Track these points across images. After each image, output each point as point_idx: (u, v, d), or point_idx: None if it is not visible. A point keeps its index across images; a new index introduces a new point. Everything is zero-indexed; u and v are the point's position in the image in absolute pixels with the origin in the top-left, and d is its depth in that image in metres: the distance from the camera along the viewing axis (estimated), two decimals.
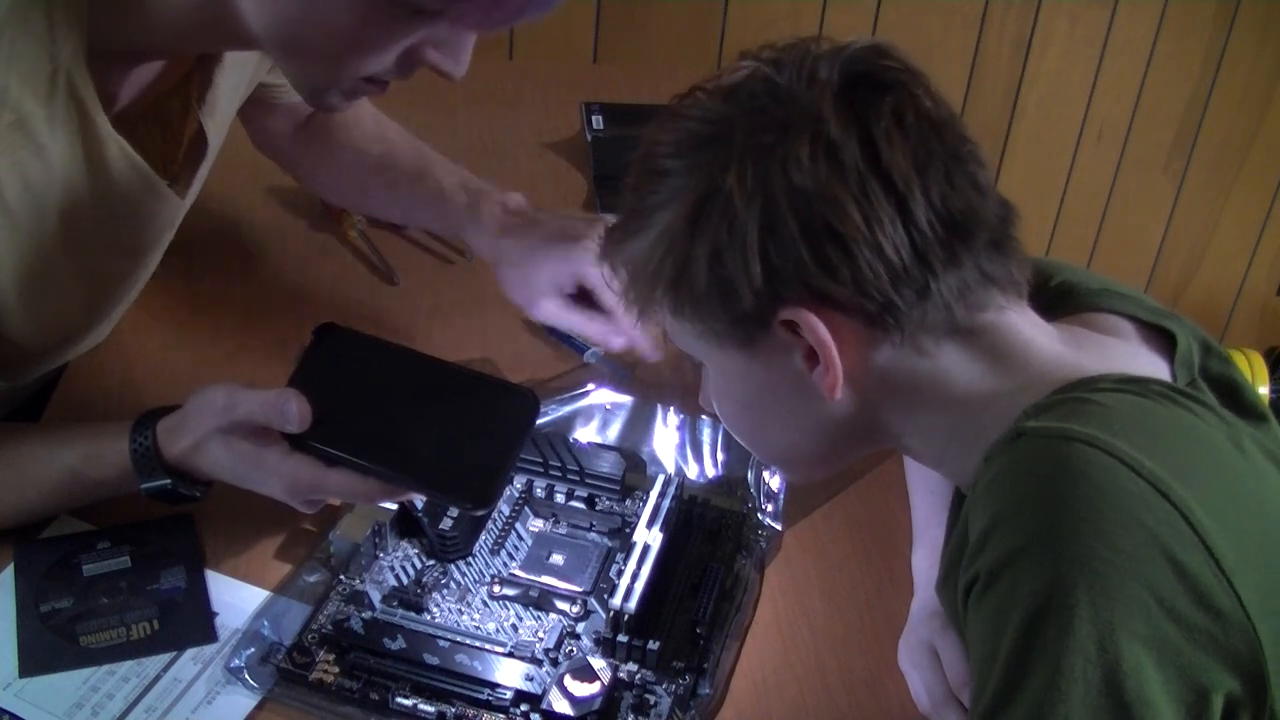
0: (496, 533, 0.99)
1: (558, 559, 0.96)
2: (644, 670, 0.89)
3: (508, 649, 0.89)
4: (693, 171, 0.74)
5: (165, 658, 0.89)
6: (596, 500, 1.02)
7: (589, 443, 1.06)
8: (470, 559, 0.97)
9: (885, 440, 0.81)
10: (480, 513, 0.93)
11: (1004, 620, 0.66)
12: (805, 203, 0.70)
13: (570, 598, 0.93)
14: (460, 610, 0.93)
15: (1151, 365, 0.77)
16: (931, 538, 0.99)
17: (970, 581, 0.70)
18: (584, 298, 1.11)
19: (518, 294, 1.14)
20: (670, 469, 1.06)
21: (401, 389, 0.91)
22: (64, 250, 0.94)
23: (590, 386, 1.16)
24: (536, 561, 0.96)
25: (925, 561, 0.98)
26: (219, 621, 0.92)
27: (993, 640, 0.67)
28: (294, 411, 0.87)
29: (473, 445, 0.87)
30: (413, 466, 0.86)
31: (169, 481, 0.93)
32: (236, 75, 1.06)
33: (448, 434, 0.88)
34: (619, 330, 1.10)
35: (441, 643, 0.89)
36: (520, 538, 0.99)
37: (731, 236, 0.72)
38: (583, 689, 0.85)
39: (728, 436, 1.09)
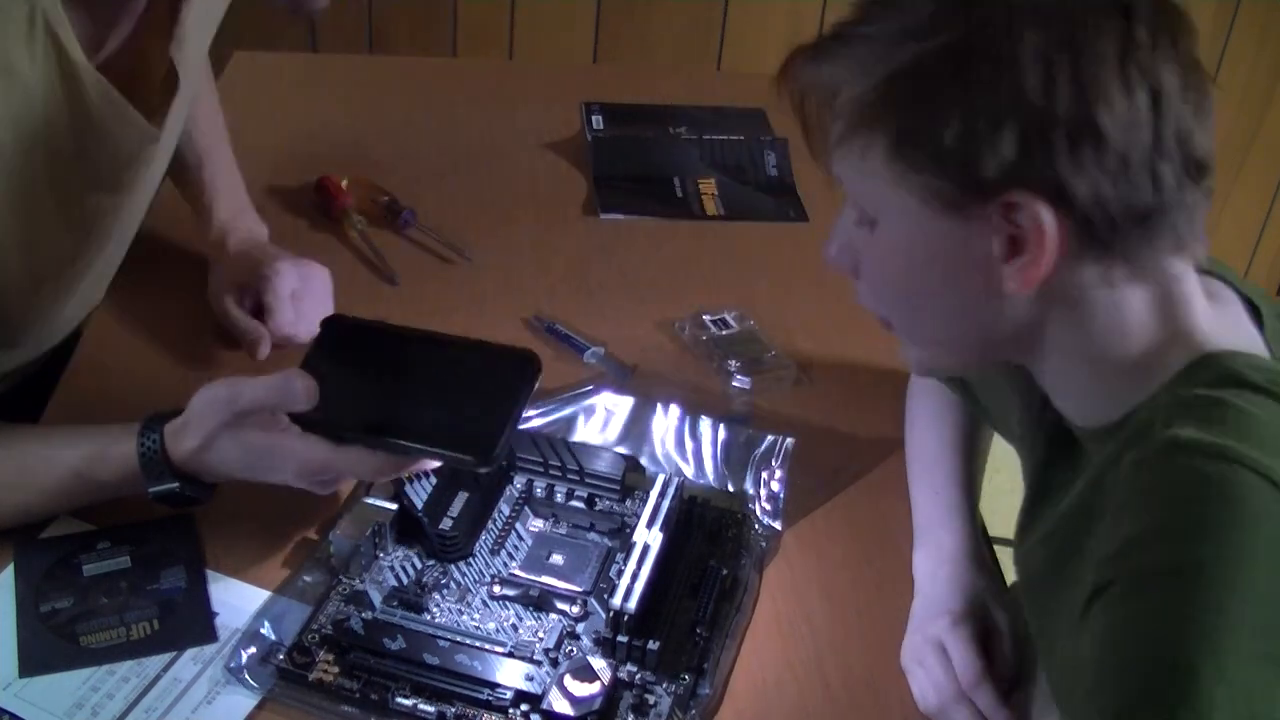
0: (496, 533, 0.99)
1: (558, 559, 0.96)
2: (644, 670, 0.89)
3: (508, 649, 0.89)
4: (972, 9, 0.70)
5: (165, 658, 0.89)
6: (596, 500, 1.02)
7: (589, 443, 1.06)
8: (470, 559, 0.97)
9: (1025, 355, 0.79)
10: (484, 470, 0.93)
11: (1147, 637, 0.66)
12: (1084, 88, 0.68)
13: (570, 598, 0.93)
14: (460, 610, 0.93)
15: (1251, 339, 0.77)
16: (936, 539, 0.99)
17: (1104, 581, 0.69)
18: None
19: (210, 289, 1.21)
20: (670, 469, 1.06)
21: (405, 364, 0.93)
22: (48, 184, 0.97)
23: (590, 386, 1.16)
24: (536, 561, 0.96)
25: (928, 562, 0.98)
26: (219, 621, 0.92)
27: (1133, 649, 0.67)
28: (299, 388, 0.88)
29: (475, 407, 0.88)
30: (417, 432, 0.88)
31: (177, 485, 0.93)
32: (203, 10, 1.09)
33: (450, 399, 0.89)
34: (266, 335, 1.15)
35: (441, 643, 0.89)
36: (520, 538, 0.99)
37: (999, 99, 0.68)
38: (583, 689, 0.85)
39: (727, 438, 1.09)
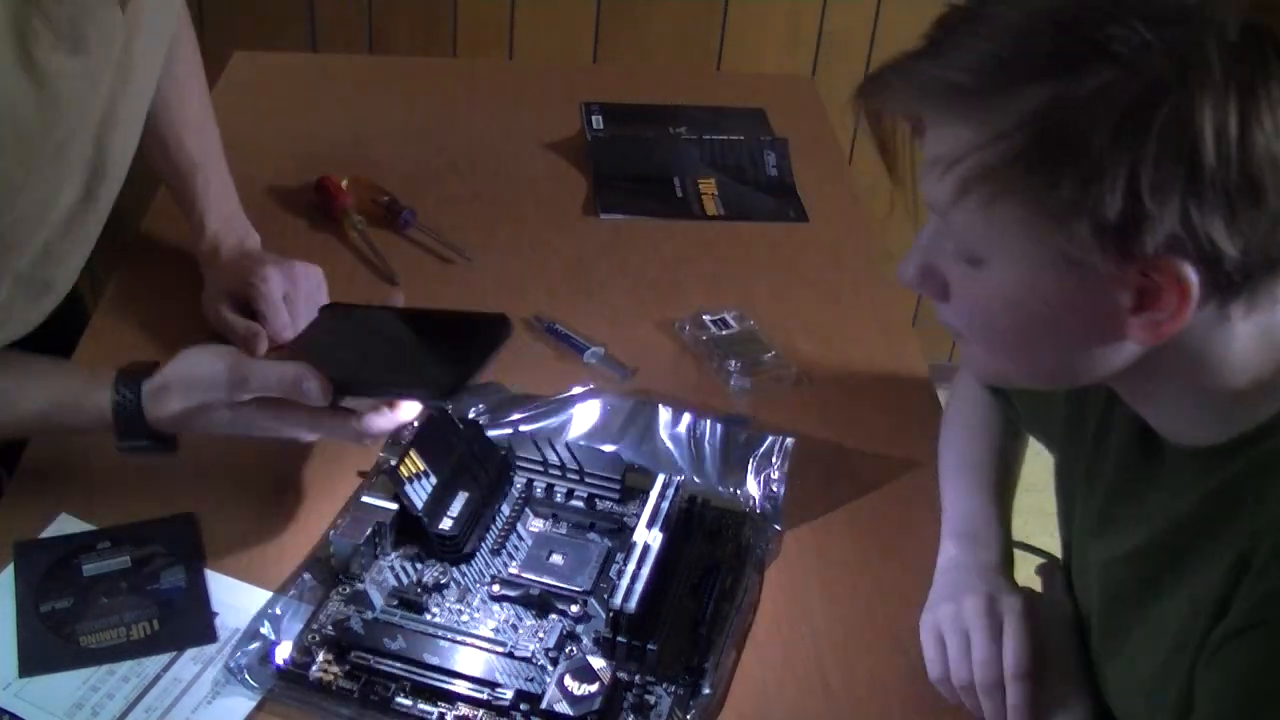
0: (496, 533, 0.99)
1: (558, 559, 0.96)
2: (644, 670, 0.89)
3: (508, 649, 0.89)
4: (1141, 65, 0.61)
5: (165, 658, 0.89)
6: (596, 500, 1.02)
7: (589, 443, 1.06)
8: (470, 559, 0.97)
9: (1133, 381, 0.75)
10: (441, 403, 0.98)
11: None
12: (1253, 152, 0.61)
13: (570, 598, 0.93)
14: (460, 610, 0.93)
15: None
16: (987, 536, 0.97)
17: (1254, 621, 0.69)
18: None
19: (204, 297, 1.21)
20: (670, 469, 1.06)
21: (388, 329, 1.02)
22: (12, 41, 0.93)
23: (590, 386, 1.16)
24: (536, 561, 0.96)
25: (964, 555, 0.96)
26: (219, 621, 0.92)
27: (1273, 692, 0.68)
28: (315, 390, 0.91)
29: (444, 352, 0.96)
30: (388, 374, 0.95)
31: (148, 443, 0.96)
32: None
33: (425, 351, 0.99)
34: (262, 333, 1.14)
35: (441, 643, 0.89)
36: (520, 538, 0.99)
37: (1169, 166, 0.61)
38: (583, 689, 0.85)
39: (727, 438, 1.09)
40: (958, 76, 0.65)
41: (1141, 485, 0.80)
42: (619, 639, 0.89)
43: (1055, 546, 0.97)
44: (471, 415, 1.07)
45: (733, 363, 1.20)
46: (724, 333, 1.25)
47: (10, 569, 0.94)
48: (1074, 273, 0.67)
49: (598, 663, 0.87)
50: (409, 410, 0.96)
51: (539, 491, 1.02)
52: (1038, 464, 1.06)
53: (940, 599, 0.93)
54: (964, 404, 1.10)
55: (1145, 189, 0.61)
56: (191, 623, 0.92)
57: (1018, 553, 1.01)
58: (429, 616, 0.92)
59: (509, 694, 0.85)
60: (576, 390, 1.15)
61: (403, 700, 0.86)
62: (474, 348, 0.94)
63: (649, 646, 0.88)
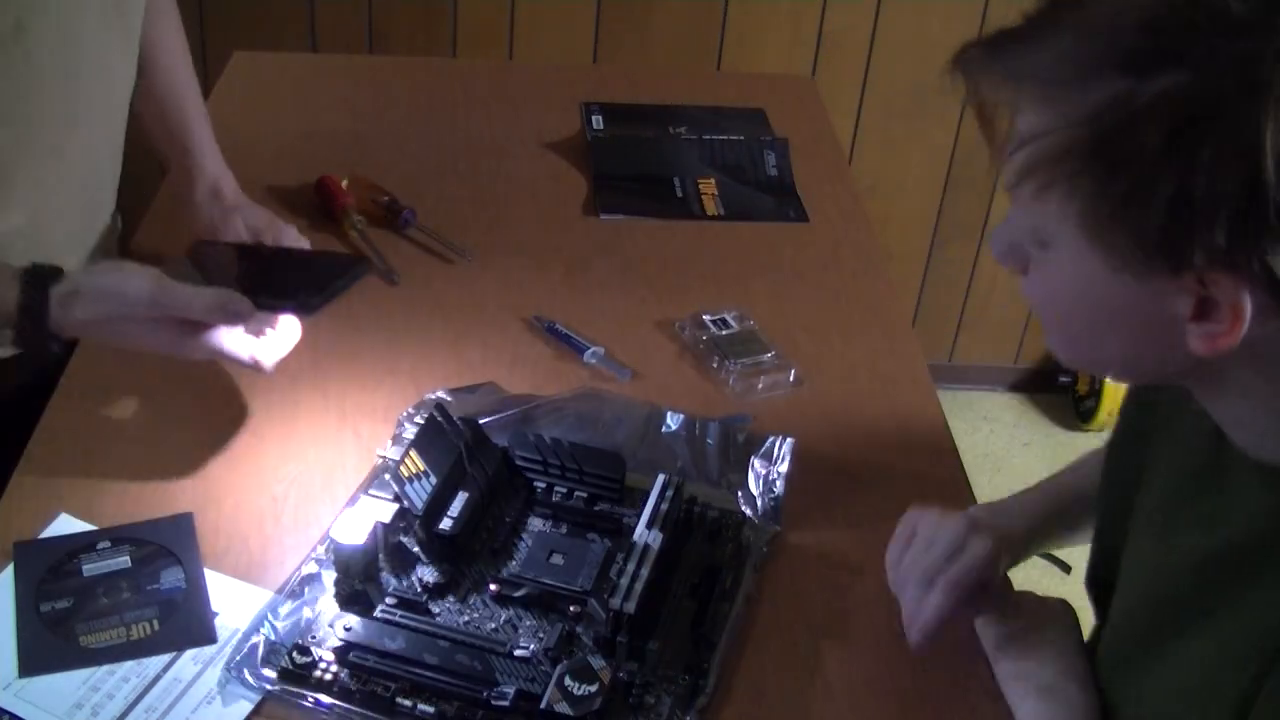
0: (497, 533, 0.99)
1: (558, 559, 0.96)
2: (644, 670, 0.89)
3: (508, 649, 0.89)
4: (1209, 75, 0.60)
5: (165, 658, 0.89)
6: (596, 500, 1.02)
7: (589, 443, 1.06)
8: (470, 559, 0.97)
9: (1199, 388, 0.74)
10: (304, 315, 1.10)
11: None
12: None
13: (570, 598, 0.93)
14: (460, 610, 0.93)
15: None
16: (1011, 508, 0.98)
17: None
18: None
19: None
20: (670, 469, 1.06)
21: (258, 262, 1.21)
22: None
23: (590, 386, 1.16)
24: (536, 561, 0.96)
25: (980, 511, 0.97)
26: (219, 621, 0.92)
27: None
28: (246, 310, 1.00)
29: (310, 278, 1.15)
30: (261, 293, 1.06)
31: (36, 345, 0.99)
32: None
33: (290, 275, 1.19)
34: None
35: (441, 643, 0.89)
36: (520, 538, 0.99)
37: (1223, 178, 0.59)
38: (583, 689, 0.85)
39: (727, 438, 1.09)
40: (1039, 61, 0.65)
41: (1206, 489, 0.77)
42: (619, 639, 0.89)
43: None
44: (471, 415, 1.07)
45: (733, 363, 1.20)
46: (724, 333, 1.25)
47: (10, 569, 0.94)
48: (1126, 274, 0.66)
49: (598, 663, 0.87)
50: (292, 332, 1.08)
51: (539, 491, 1.02)
52: (1037, 463, 1.06)
53: (938, 511, 0.95)
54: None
55: (1196, 200, 0.60)
56: (191, 623, 0.92)
57: None
58: (429, 616, 0.92)
59: (509, 694, 0.85)
60: (576, 390, 1.15)
61: (403, 700, 0.86)
62: (335, 277, 1.13)
63: (649, 646, 0.89)
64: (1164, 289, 0.66)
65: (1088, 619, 0.94)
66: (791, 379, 1.20)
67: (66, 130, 1.14)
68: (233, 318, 1.00)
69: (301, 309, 1.09)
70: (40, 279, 0.99)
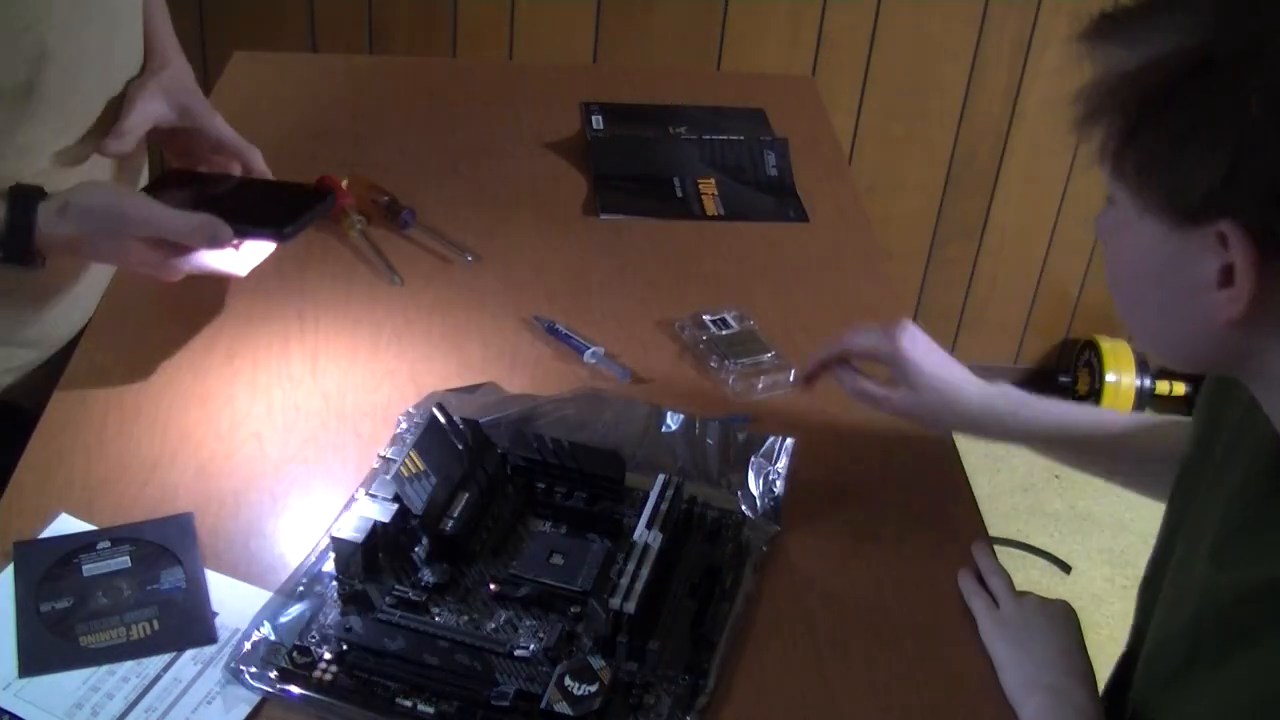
0: (497, 533, 0.99)
1: (558, 559, 0.96)
2: (644, 670, 0.89)
3: (508, 649, 0.89)
4: (1229, 20, 0.65)
5: (165, 658, 0.89)
6: (596, 500, 1.02)
7: (589, 443, 1.06)
8: (470, 559, 0.97)
9: (1241, 370, 0.76)
10: (280, 241, 1.16)
11: None
12: None
13: (570, 598, 0.93)
14: (460, 610, 0.93)
15: None
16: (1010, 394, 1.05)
17: None
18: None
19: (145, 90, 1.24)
20: (670, 469, 1.06)
21: (230, 188, 1.23)
22: None
23: (590, 386, 1.16)
24: (536, 561, 0.96)
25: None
26: (219, 621, 0.92)
27: None
28: (228, 235, 1.08)
29: (282, 204, 1.19)
30: (239, 219, 1.12)
31: (22, 259, 1.05)
32: None
33: (264, 201, 1.21)
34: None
35: (441, 643, 0.89)
36: (520, 538, 0.99)
37: (1220, 121, 0.65)
38: (583, 689, 0.85)
39: (727, 438, 1.09)
40: (1118, 19, 0.70)
41: (1268, 514, 0.77)
42: (619, 639, 0.89)
43: (1054, 546, 0.97)
44: (471, 415, 1.07)
45: (733, 363, 1.20)
46: (724, 333, 1.25)
47: (10, 569, 0.94)
48: (1164, 229, 0.69)
49: (598, 663, 0.87)
50: (266, 248, 1.17)
51: (539, 491, 1.02)
52: (1037, 464, 1.07)
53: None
54: None
55: (1198, 135, 0.64)
56: (191, 623, 0.92)
57: (1017, 553, 1.01)
58: (429, 616, 0.92)
59: (509, 694, 0.86)
60: (576, 390, 1.15)
61: (403, 700, 0.86)
62: (306, 206, 1.18)
63: (649, 646, 0.89)
64: (1189, 245, 0.68)
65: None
66: (791, 379, 1.20)
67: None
68: (214, 242, 1.08)
69: (277, 235, 1.15)
70: (28, 195, 1.05)
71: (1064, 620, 0.94)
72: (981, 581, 0.99)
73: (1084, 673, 0.90)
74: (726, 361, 1.21)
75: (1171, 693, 0.81)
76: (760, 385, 1.19)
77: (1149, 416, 1.06)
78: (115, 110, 1.18)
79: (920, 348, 1.04)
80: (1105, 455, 1.07)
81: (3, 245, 1.04)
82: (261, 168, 1.25)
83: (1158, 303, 0.75)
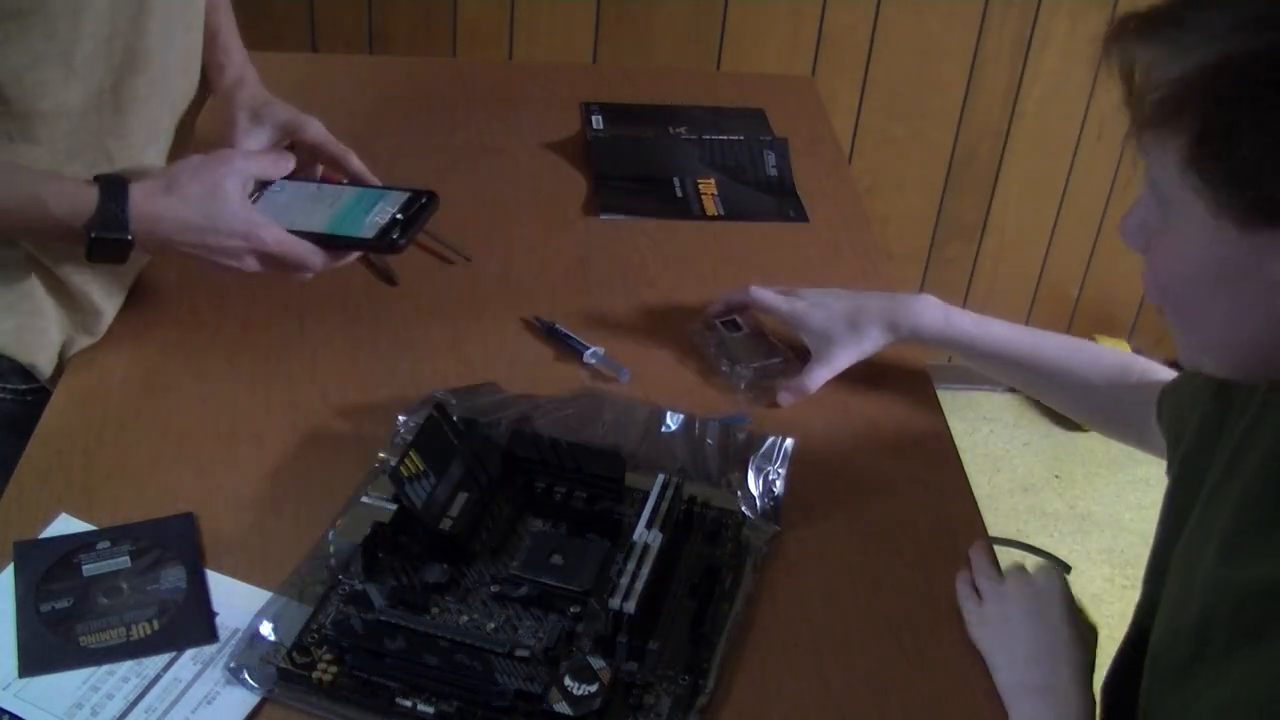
0: (497, 533, 0.99)
1: (558, 559, 0.96)
2: (644, 670, 0.89)
3: (508, 649, 0.89)
4: None
5: (165, 658, 0.89)
6: (596, 500, 1.02)
7: (589, 443, 1.06)
8: (470, 559, 0.97)
9: None
10: (394, 252, 1.16)
11: None
12: None
13: (570, 598, 0.93)
14: (460, 610, 0.93)
15: None
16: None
17: None
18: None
19: (239, 120, 1.25)
20: (670, 469, 1.06)
21: (334, 197, 1.18)
22: None
23: (590, 386, 1.16)
24: (536, 561, 0.96)
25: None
26: (219, 621, 0.92)
27: None
28: (320, 263, 1.10)
29: (388, 215, 1.15)
30: (351, 233, 1.14)
31: (126, 235, 1.02)
32: None
33: (374, 216, 1.16)
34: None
35: (441, 643, 0.89)
36: (520, 538, 0.99)
37: None
38: (583, 689, 0.85)
39: (727, 438, 1.09)
40: (1179, 15, 0.68)
41: (1276, 517, 0.76)
42: (619, 639, 0.89)
43: (1054, 546, 0.97)
44: (471, 415, 1.07)
45: (744, 367, 1.19)
46: (735, 334, 1.24)
47: (10, 569, 0.94)
48: (1235, 232, 0.68)
49: (598, 663, 0.87)
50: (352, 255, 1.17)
51: (539, 491, 1.02)
52: (1036, 464, 1.07)
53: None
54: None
55: None
56: (191, 623, 0.92)
57: (1016, 552, 1.01)
58: (429, 616, 0.92)
59: (509, 694, 0.86)
60: (576, 390, 1.15)
61: (402, 700, 0.86)
62: (411, 210, 1.15)
63: (649, 646, 0.89)
64: (1261, 244, 0.67)
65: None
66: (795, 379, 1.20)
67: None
68: (309, 268, 1.10)
69: (392, 248, 1.14)
70: (117, 179, 1.02)
71: (1048, 603, 0.93)
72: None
73: (1072, 661, 0.89)
74: (737, 366, 1.20)
75: (1176, 690, 0.80)
76: (771, 389, 1.18)
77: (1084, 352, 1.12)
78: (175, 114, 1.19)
79: (811, 318, 1.19)
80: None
81: (101, 218, 1.01)
82: (359, 168, 1.22)
83: (1226, 309, 0.73)
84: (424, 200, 1.17)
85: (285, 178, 1.20)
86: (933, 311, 1.16)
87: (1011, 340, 1.15)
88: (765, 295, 1.22)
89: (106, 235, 1.01)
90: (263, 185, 1.16)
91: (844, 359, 1.18)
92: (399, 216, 1.15)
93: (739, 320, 1.26)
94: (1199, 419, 0.89)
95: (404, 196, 1.17)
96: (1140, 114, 0.71)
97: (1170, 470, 0.92)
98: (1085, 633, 0.92)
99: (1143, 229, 0.77)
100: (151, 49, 1.11)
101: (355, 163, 1.21)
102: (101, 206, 1.01)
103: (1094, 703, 0.87)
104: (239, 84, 1.26)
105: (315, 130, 1.22)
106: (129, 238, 1.02)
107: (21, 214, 1.01)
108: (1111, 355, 1.13)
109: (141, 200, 1.02)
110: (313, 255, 1.10)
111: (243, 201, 1.08)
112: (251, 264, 1.08)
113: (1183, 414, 0.94)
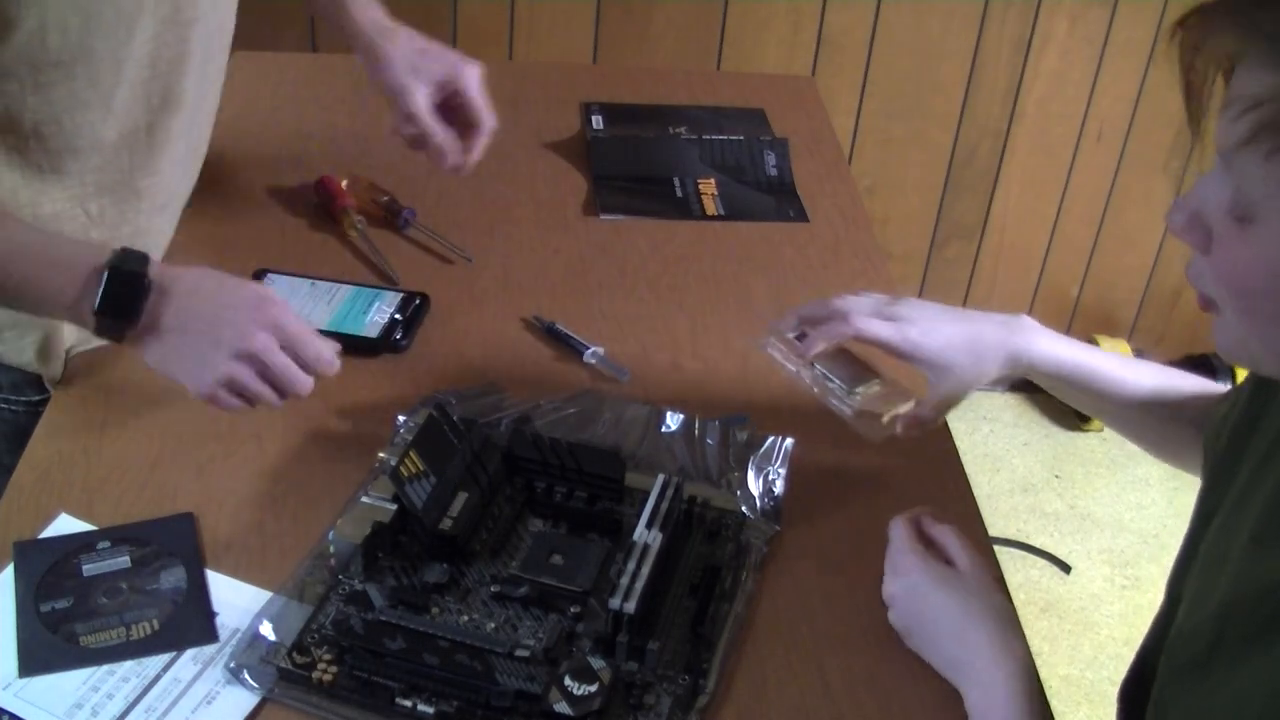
0: (497, 533, 0.99)
1: (558, 559, 0.96)
2: (644, 670, 0.89)
3: (508, 649, 0.89)
4: None
5: (165, 658, 0.89)
6: (596, 500, 1.02)
7: (589, 443, 1.06)
8: (470, 559, 0.97)
9: None
10: (394, 352, 1.18)
11: None
12: None
13: (570, 598, 0.93)
14: (460, 610, 0.93)
15: None
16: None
17: None
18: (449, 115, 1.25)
19: (398, 76, 1.22)
20: (670, 469, 1.06)
21: (331, 296, 1.23)
22: None
23: (590, 387, 1.16)
24: (536, 561, 0.96)
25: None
26: (219, 621, 0.92)
27: None
28: (336, 369, 1.03)
29: (389, 317, 1.20)
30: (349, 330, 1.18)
31: (144, 286, 0.97)
32: None
33: (376, 317, 1.21)
34: (458, 149, 1.22)
35: (441, 643, 0.89)
36: (520, 538, 0.99)
37: None
38: (583, 689, 0.85)
39: (727, 438, 1.09)
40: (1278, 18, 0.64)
41: None
42: (619, 639, 0.89)
43: (1054, 546, 0.97)
44: (471, 415, 1.07)
45: (849, 393, 1.07)
46: (829, 360, 1.08)
47: (10, 569, 0.94)
48: None
49: (598, 663, 0.87)
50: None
51: (539, 491, 1.02)
52: (1036, 464, 1.06)
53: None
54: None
55: None
56: (191, 623, 0.92)
57: (1017, 552, 1.00)
58: (429, 616, 0.92)
59: (509, 694, 0.86)
60: (576, 390, 1.15)
61: (402, 700, 0.86)
62: (408, 311, 1.20)
63: (649, 646, 0.89)
64: None
65: (1088, 620, 0.94)
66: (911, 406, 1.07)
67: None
68: (328, 371, 1.02)
69: (392, 349, 1.19)
70: (136, 257, 0.97)
71: (948, 596, 0.93)
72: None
73: (985, 643, 0.89)
74: (850, 395, 1.06)
75: (1192, 680, 0.79)
76: (886, 419, 1.06)
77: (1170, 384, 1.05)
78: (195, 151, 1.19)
79: (928, 348, 1.02)
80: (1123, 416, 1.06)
81: (104, 294, 0.96)
82: (480, 143, 1.23)
83: None
84: (418, 302, 1.24)
85: (276, 271, 1.24)
86: (1043, 342, 1.05)
87: (1110, 373, 1.06)
88: (872, 326, 1.04)
89: (126, 267, 0.96)
90: (257, 277, 1.20)
91: (964, 389, 1.05)
92: (398, 317, 1.22)
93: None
94: (1231, 426, 0.88)
95: (399, 297, 1.24)
96: (1241, 128, 0.67)
97: (1202, 479, 0.91)
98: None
99: (1198, 226, 0.73)
100: (187, 89, 1.11)
101: (483, 138, 1.21)
102: (123, 250, 0.98)
103: (1034, 689, 0.87)
104: (386, 34, 1.24)
105: (472, 86, 1.19)
106: (148, 279, 0.97)
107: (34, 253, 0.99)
108: (1189, 384, 1.06)
109: (160, 265, 0.99)
110: (327, 348, 1.02)
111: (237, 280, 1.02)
112: (262, 341, 0.97)
113: (1216, 425, 0.93)
